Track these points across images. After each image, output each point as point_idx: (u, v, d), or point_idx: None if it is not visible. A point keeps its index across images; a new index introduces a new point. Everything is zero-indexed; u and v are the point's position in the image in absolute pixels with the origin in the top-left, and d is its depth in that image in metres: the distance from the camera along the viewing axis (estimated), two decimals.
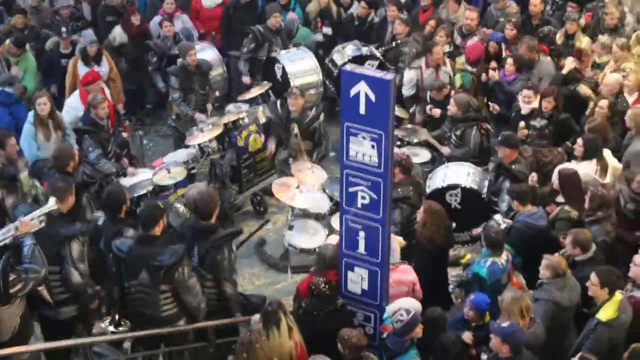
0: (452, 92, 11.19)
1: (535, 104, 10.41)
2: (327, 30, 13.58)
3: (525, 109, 10.48)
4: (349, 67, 7.30)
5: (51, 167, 9.18)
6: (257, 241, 10.84)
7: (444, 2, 13.33)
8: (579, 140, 9.32)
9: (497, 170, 9.52)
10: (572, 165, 9.17)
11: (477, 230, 9.62)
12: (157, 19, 13.28)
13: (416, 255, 8.56)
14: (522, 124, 10.32)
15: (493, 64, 11.42)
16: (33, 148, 10.25)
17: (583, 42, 11.90)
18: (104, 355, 7.75)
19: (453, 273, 9.28)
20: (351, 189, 7.41)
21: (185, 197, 9.00)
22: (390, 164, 7.22)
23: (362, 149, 7.18)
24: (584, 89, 10.71)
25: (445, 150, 10.65)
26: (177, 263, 7.37)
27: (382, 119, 7.02)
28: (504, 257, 8.09)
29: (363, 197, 7.38)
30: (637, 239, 8.56)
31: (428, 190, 9.88)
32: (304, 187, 9.81)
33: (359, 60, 12.07)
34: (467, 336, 7.59)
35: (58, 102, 11.32)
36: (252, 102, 12.31)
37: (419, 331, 7.23)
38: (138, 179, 10.28)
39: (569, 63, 11.11)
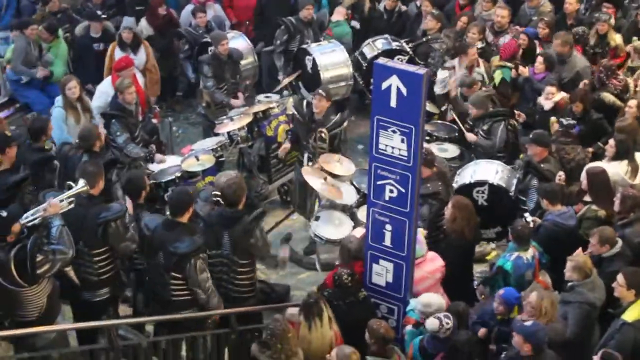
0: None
1: (557, 97, 10.38)
2: (355, 24, 13.59)
3: (547, 105, 10.45)
4: (381, 60, 7.29)
5: (78, 148, 9.26)
6: (284, 236, 10.86)
7: None
8: (611, 141, 9.24)
9: (525, 168, 9.47)
10: (602, 164, 9.11)
11: None
12: (189, 7, 13.40)
13: (443, 250, 8.54)
14: (553, 118, 10.25)
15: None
16: (64, 132, 10.33)
17: (616, 39, 11.82)
18: (128, 338, 7.79)
19: (478, 270, 9.27)
20: (379, 182, 7.43)
21: (215, 185, 9.04)
22: (420, 158, 7.23)
23: (392, 142, 7.20)
24: (608, 97, 10.61)
25: (471, 136, 10.56)
26: (191, 254, 7.42)
27: (413, 113, 7.03)
28: (529, 253, 8.08)
29: (391, 191, 7.40)
30: None
31: (455, 186, 9.85)
32: (332, 178, 9.80)
33: (389, 54, 12.05)
34: (482, 332, 7.59)
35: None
36: (282, 92, 12.34)
37: None
38: (167, 165, 10.35)
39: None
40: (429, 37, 12.40)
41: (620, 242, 7.93)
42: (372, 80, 7.52)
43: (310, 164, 10.32)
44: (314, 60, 12.20)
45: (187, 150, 10.85)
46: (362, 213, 9.32)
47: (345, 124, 10.89)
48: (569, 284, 7.63)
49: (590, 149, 9.88)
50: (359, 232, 8.41)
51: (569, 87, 10.81)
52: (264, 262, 9.93)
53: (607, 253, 7.90)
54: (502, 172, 9.95)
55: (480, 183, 9.83)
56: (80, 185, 7.57)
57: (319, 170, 9.85)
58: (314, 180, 9.66)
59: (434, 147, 10.30)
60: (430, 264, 8.04)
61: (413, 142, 7.10)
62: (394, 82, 6.98)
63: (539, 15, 12.46)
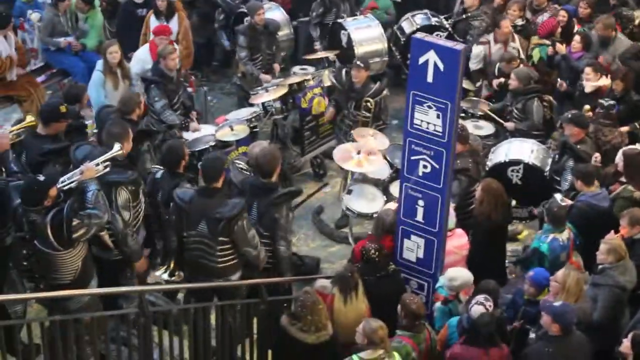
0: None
1: (599, 83, 10.24)
2: None
3: (588, 87, 10.30)
4: (419, 35, 7.25)
5: (116, 113, 9.15)
6: (315, 209, 10.89)
7: None
8: None
9: (561, 149, 9.41)
10: (639, 146, 9.03)
11: (537, 210, 9.53)
12: None
13: (473, 229, 8.54)
14: (586, 107, 10.13)
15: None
16: (101, 96, 10.39)
17: None
18: (158, 305, 7.86)
19: (510, 248, 9.24)
20: (413, 158, 7.42)
21: (248, 155, 9.07)
22: (455, 134, 7.20)
23: (427, 117, 7.18)
24: None
25: (510, 125, 10.53)
26: (237, 216, 7.43)
27: (449, 89, 7.00)
28: (565, 235, 8.04)
29: (425, 166, 7.39)
30: None
31: (490, 164, 9.82)
32: (365, 152, 9.80)
33: (427, 30, 11.96)
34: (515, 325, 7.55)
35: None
36: (317, 64, 12.31)
37: None
38: (201, 134, 10.38)
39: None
40: (469, 14, 12.30)
41: None
42: (409, 55, 7.49)
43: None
44: (348, 35, 12.17)
45: (222, 120, 10.86)
46: (394, 188, 9.31)
47: (385, 91, 10.98)
48: (600, 266, 7.57)
49: (626, 127, 9.80)
50: (394, 206, 8.40)
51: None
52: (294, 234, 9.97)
53: (638, 235, 7.84)
54: (537, 151, 9.91)
55: (515, 162, 9.79)
56: (116, 148, 7.61)
57: (352, 144, 9.90)
58: (344, 159, 9.76)
59: (469, 124, 10.26)
60: (457, 240, 8.07)
61: (448, 118, 7.07)
62: (431, 57, 6.95)
63: None
